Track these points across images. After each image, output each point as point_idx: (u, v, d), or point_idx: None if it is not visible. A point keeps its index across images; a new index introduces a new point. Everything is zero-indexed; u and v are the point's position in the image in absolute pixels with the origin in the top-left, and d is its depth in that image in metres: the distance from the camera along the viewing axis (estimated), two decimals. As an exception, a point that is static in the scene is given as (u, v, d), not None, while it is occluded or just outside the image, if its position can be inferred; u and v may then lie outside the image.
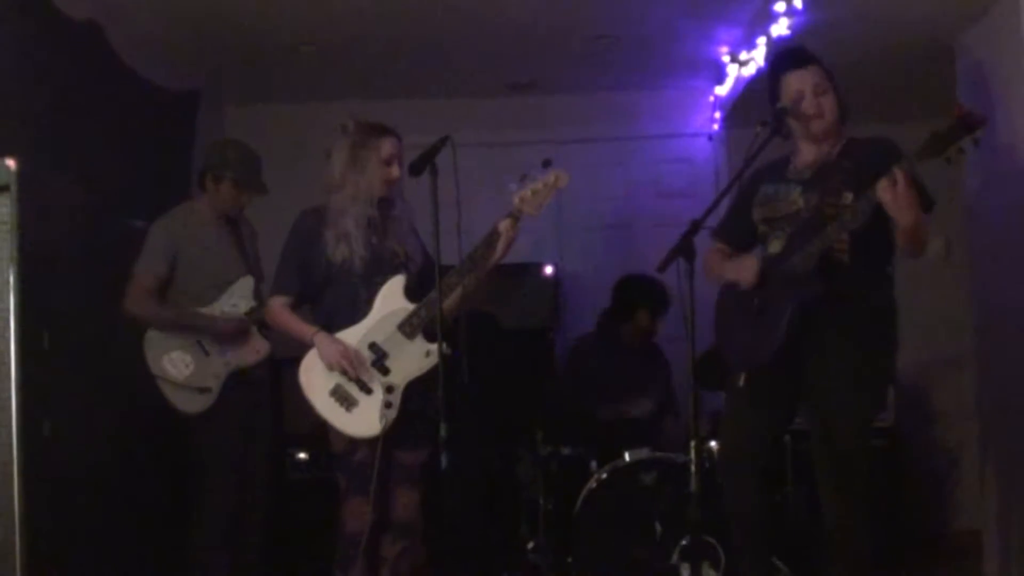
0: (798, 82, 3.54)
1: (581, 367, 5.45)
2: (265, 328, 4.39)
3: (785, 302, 3.43)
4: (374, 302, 3.73)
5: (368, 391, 3.68)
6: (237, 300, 4.38)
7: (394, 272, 3.77)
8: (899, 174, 3.18)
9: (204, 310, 4.33)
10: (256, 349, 4.40)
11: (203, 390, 4.27)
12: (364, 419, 3.66)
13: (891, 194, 3.19)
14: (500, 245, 3.68)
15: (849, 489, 3.44)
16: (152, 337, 4.31)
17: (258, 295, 4.40)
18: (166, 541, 4.50)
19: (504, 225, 3.69)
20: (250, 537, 4.45)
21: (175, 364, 4.28)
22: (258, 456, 4.46)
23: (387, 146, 3.80)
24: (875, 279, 3.53)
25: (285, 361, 4.15)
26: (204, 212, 4.46)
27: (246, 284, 4.42)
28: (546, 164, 3.71)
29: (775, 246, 3.58)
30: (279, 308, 3.83)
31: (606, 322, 5.50)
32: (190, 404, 4.28)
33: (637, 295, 5.33)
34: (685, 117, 6.42)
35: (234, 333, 4.33)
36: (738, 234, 3.77)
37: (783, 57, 3.69)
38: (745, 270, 3.55)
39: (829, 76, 3.56)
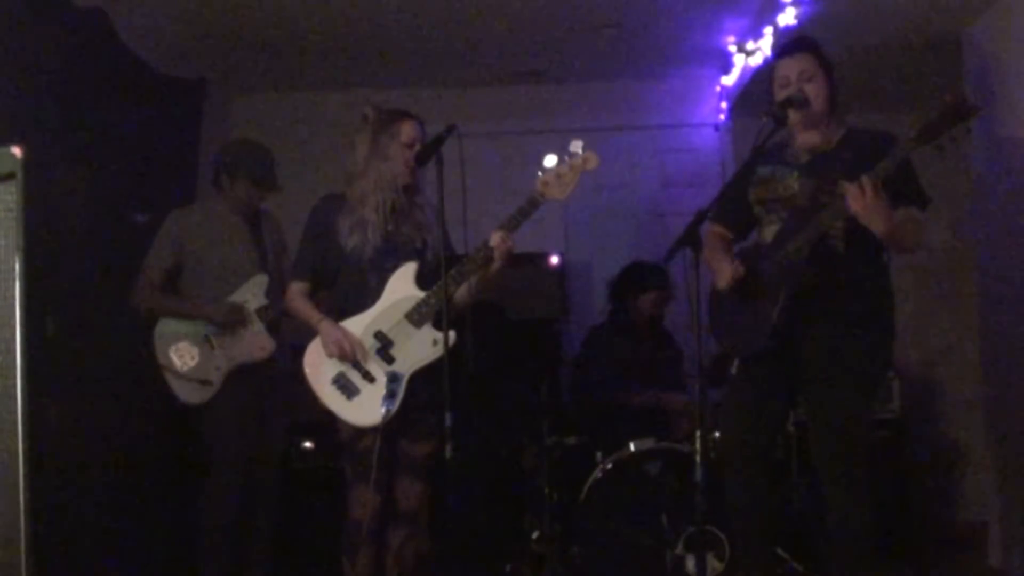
0: (785, 68, 3.56)
1: (597, 354, 5.45)
2: (277, 328, 4.40)
3: (778, 289, 3.44)
4: (383, 289, 3.71)
5: (371, 380, 3.66)
6: (248, 297, 4.39)
7: (407, 259, 3.74)
8: (866, 183, 3.16)
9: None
10: (261, 346, 4.39)
11: (204, 382, 4.30)
12: (365, 408, 3.64)
13: (860, 204, 3.18)
14: (495, 259, 3.59)
15: (849, 477, 3.43)
16: (162, 328, 4.36)
17: (272, 294, 4.39)
18: (173, 527, 4.51)
19: (495, 240, 3.59)
20: (262, 524, 4.47)
21: (181, 356, 4.31)
22: (269, 444, 4.48)
23: (408, 130, 3.76)
24: (870, 267, 3.52)
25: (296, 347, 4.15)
26: (220, 209, 4.48)
27: (259, 282, 4.42)
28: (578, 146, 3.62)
29: (769, 232, 3.58)
30: (295, 295, 3.83)
31: (615, 310, 5.51)
32: (191, 395, 4.31)
33: (636, 278, 5.40)
34: (691, 107, 6.40)
35: (228, 321, 4.33)
36: (735, 216, 3.76)
37: (781, 45, 3.71)
38: (721, 279, 3.57)
39: (822, 63, 3.54)
